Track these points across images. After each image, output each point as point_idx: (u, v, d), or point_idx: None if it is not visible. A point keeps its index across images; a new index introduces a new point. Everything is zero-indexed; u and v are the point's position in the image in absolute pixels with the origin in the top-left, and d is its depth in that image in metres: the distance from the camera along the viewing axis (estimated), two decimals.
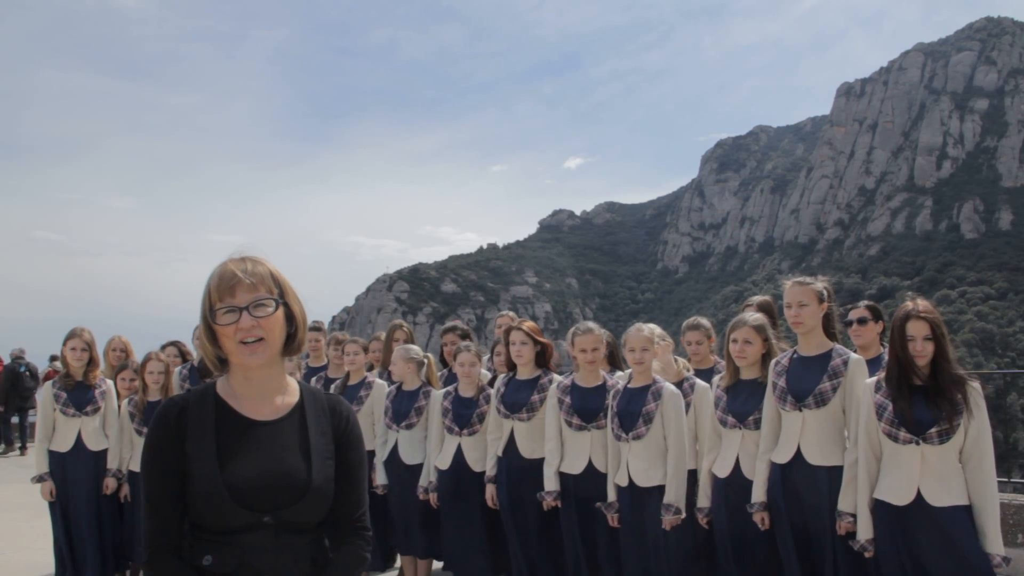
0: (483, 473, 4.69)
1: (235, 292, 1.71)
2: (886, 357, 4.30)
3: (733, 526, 3.81)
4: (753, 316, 3.95)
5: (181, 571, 1.70)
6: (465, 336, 5.58)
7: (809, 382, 3.61)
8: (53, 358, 13.85)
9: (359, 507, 1.85)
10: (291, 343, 1.80)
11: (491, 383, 4.92)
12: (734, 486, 3.83)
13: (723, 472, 3.88)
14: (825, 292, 3.76)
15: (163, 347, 5.92)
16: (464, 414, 4.79)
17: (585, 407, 4.29)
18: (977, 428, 3.11)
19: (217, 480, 1.66)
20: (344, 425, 1.85)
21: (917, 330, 3.20)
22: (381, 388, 5.38)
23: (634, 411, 4.04)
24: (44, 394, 5.17)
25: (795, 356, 3.76)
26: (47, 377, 13.56)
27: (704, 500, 4.00)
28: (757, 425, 3.80)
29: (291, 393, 1.83)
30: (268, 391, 1.80)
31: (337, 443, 1.83)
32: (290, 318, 1.79)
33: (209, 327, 1.73)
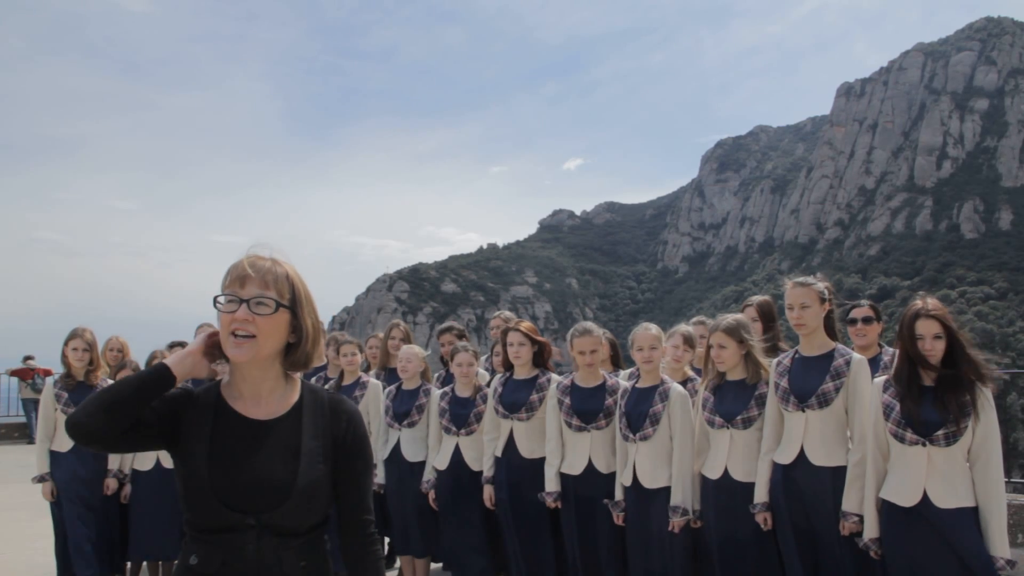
0: (481, 472, 4.69)
1: (244, 284, 1.71)
2: (884, 358, 4.31)
3: (721, 528, 3.79)
4: (726, 321, 3.90)
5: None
6: (461, 336, 5.61)
7: (812, 382, 3.59)
8: (26, 358, 13.97)
9: (364, 510, 1.83)
10: (293, 354, 1.78)
11: (489, 383, 4.92)
12: (724, 488, 3.80)
13: (714, 474, 3.85)
14: (826, 292, 3.74)
15: (170, 346, 5.93)
16: (461, 414, 4.80)
17: (584, 408, 4.28)
18: (984, 430, 3.09)
19: (204, 479, 1.67)
20: (344, 426, 1.82)
21: (926, 329, 3.17)
22: (376, 388, 5.38)
23: (641, 412, 4.03)
24: (45, 394, 5.17)
25: (797, 356, 3.74)
26: (20, 375, 13.71)
27: (695, 502, 3.96)
28: (745, 425, 3.78)
29: (292, 393, 1.82)
30: (264, 391, 1.79)
31: (337, 444, 1.80)
32: (297, 329, 1.76)
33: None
